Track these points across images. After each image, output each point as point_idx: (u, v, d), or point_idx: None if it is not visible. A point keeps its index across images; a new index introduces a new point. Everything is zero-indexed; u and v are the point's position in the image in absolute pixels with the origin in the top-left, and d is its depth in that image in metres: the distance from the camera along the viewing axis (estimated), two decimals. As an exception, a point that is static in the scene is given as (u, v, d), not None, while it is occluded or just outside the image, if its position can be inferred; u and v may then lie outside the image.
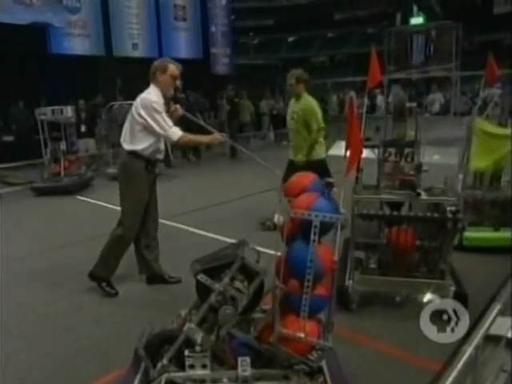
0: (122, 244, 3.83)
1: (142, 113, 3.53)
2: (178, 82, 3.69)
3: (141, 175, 3.68)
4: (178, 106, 3.79)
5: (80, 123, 9.07)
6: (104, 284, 3.88)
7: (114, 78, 11.14)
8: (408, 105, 3.33)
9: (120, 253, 3.87)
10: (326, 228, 1.88)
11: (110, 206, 6.99)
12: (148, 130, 3.57)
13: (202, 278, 2.14)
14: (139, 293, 3.91)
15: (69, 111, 7.84)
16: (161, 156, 3.85)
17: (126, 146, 3.68)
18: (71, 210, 7.00)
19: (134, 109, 3.62)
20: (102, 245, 5.17)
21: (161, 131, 3.55)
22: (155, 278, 4.03)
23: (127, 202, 3.77)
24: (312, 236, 1.82)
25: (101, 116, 10.77)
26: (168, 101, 3.75)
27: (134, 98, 3.74)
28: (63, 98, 9.68)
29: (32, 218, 6.59)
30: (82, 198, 7.70)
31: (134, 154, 3.64)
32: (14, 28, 10.55)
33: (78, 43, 14.11)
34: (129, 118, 3.71)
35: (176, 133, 3.57)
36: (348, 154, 2.21)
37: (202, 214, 6.37)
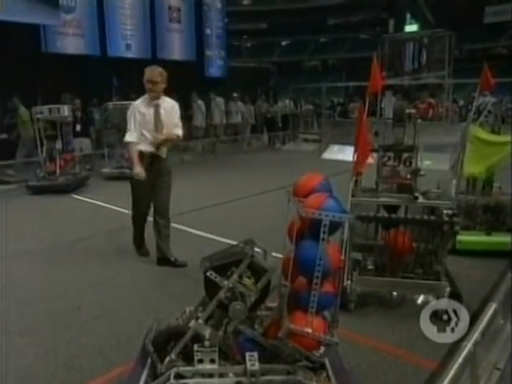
0: (134, 223, 4.66)
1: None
2: (150, 85, 4.17)
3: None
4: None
5: (75, 122, 9.03)
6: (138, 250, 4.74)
7: (109, 78, 11.12)
8: (407, 110, 3.42)
9: (137, 229, 4.67)
10: (334, 227, 1.96)
11: (106, 205, 7.02)
12: None
13: (211, 274, 2.20)
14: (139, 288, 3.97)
15: (66, 110, 7.84)
16: (151, 149, 4.28)
17: None
18: (67, 209, 7.00)
19: None
20: (99, 243, 5.25)
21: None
22: (164, 260, 4.48)
23: (130, 187, 4.45)
24: (321, 235, 1.89)
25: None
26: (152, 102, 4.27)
27: (128, 99, 4.07)
28: (58, 97, 9.65)
29: (27, 217, 6.57)
30: (78, 197, 7.69)
31: None
32: (8, 26, 10.47)
33: (73, 43, 14.05)
34: None
35: (127, 137, 4.28)
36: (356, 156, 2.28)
37: (198, 215, 6.42)
